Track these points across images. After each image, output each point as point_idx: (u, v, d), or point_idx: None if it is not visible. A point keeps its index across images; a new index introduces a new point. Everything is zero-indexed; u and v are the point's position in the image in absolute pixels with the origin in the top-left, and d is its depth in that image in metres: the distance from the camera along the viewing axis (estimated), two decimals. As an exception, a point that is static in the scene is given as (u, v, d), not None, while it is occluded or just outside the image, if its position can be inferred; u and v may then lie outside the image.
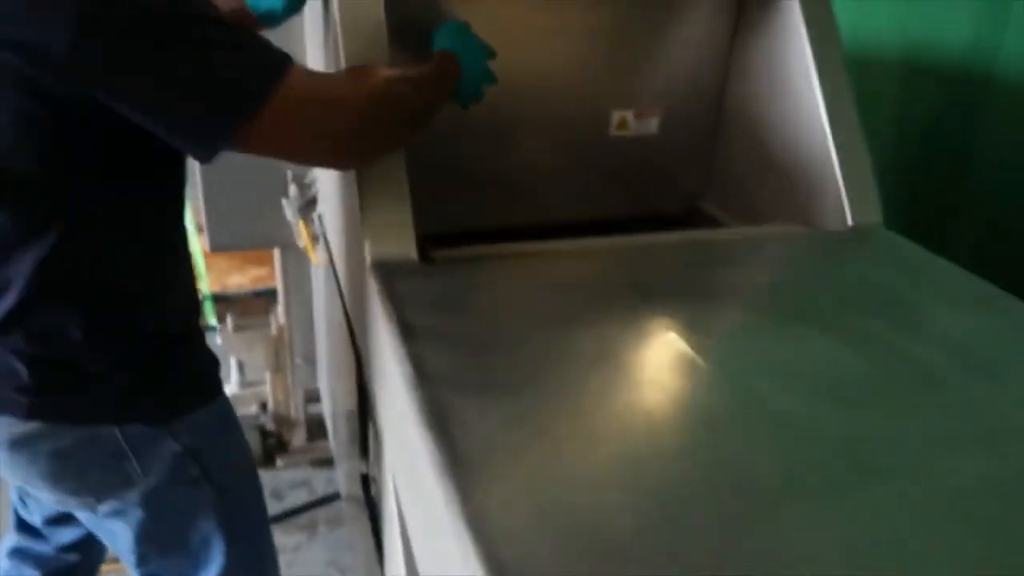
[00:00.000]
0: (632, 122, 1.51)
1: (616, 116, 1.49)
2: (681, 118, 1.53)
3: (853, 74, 1.68)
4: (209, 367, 1.09)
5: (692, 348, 0.86)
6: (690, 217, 1.65)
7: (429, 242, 1.09)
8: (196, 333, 1.06)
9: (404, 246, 1.04)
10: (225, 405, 1.10)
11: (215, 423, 1.07)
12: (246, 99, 0.83)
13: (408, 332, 0.87)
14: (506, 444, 0.70)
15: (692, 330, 0.90)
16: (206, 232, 1.79)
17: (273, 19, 1.17)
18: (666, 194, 1.62)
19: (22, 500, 1.21)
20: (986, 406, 0.82)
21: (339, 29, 1.08)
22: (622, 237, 1.22)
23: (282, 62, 0.86)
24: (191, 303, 1.07)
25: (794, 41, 1.35)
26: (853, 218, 1.25)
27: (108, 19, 0.76)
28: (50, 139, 0.83)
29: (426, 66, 1.07)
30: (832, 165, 1.28)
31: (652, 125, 1.53)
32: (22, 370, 0.92)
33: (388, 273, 1.01)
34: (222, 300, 2.95)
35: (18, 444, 0.95)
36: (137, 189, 0.92)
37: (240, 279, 3.09)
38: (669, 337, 0.89)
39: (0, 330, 0.90)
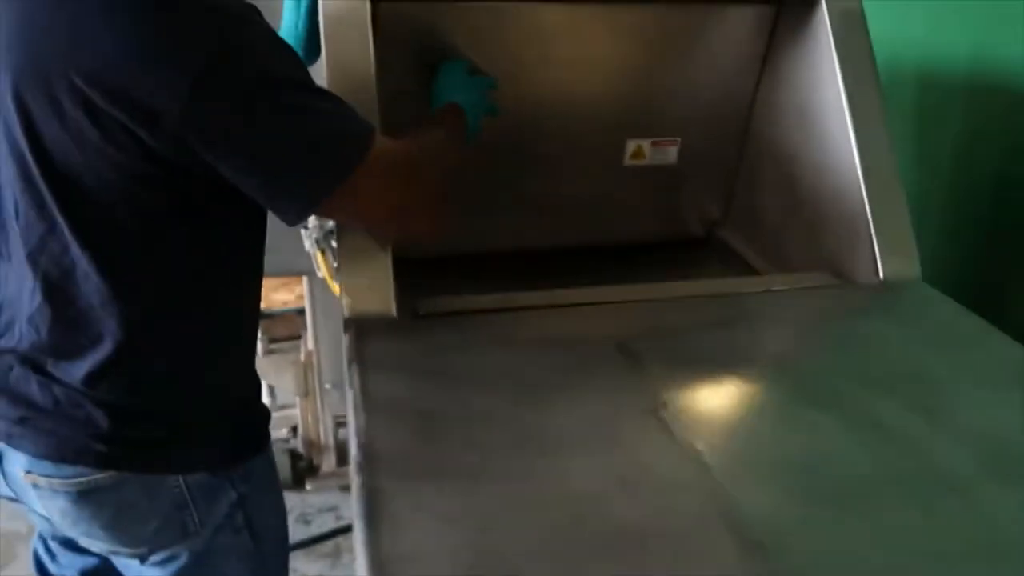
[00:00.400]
0: (649, 151, 1.44)
1: (632, 145, 1.42)
2: (701, 148, 1.45)
3: (917, 94, 1.56)
4: (265, 412, 1.11)
5: (677, 435, 0.78)
6: (709, 243, 1.56)
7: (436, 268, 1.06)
8: (258, 379, 1.10)
9: (382, 301, 0.99)
10: (271, 451, 1.12)
11: (265, 470, 1.08)
12: (341, 167, 0.86)
13: (366, 402, 0.82)
14: (438, 547, 0.64)
15: (682, 412, 0.82)
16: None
17: None
18: (685, 220, 1.58)
19: (49, 552, 1.16)
20: (1006, 519, 0.71)
21: (325, 72, 1.04)
22: (625, 287, 1.14)
23: (369, 131, 0.89)
24: (254, 350, 1.10)
25: (825, 75, 1.24)
26: (885, 271, 1.14)
27: (225, 84, 0.79)
28: (151, 196, 0.85)
29: (441, 127, 1.08)
30: (864, 213, 1.17)
31: (671, 155, 1.45)
32: (101, 419, 0.91)
33: (364, 330, 0.96)
34: (266, 317, 2.97)
35: (86, 494, 0.94)
36: (225, 247, 0.95)
37: (286, 296, 3.12)
38: (652, 422, 0.81)
39: (86, 382, 0.90)
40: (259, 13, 0.86)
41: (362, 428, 0.78)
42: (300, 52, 1.11)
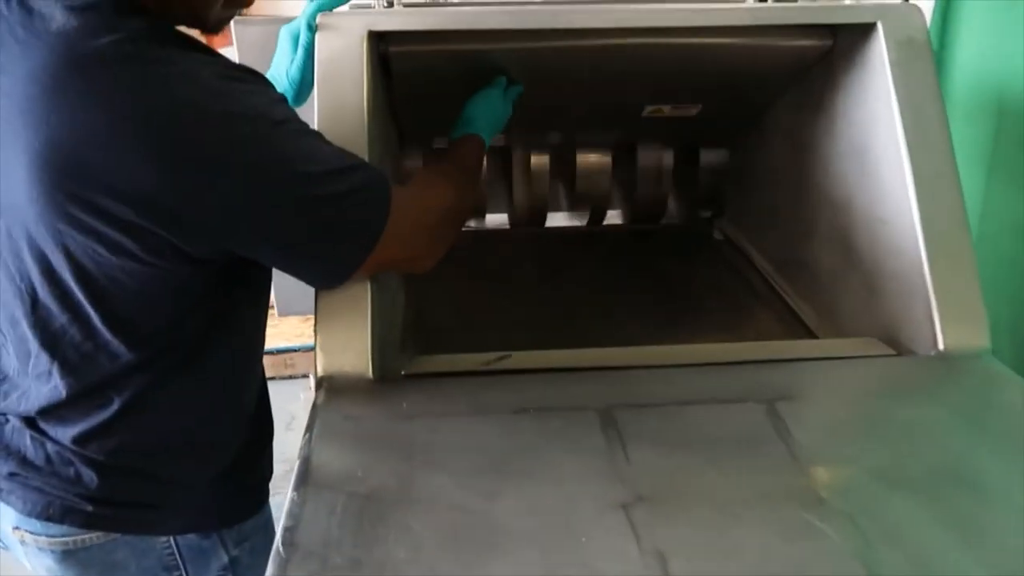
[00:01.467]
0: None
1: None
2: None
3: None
4: (266, 473, 1.08)
5: (643, 540, 0.67)
6: (763, 296, 1.42)
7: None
8: (263, 440, 1.06)
9: (359, 360, 0.92)
10: (268, 511, 1.08)
11: (260, 531, 1.05)
12: (369, 238, 0.86)
13: (305, 477, 0.76)
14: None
15: (656, 510, 0.71)
16: (275, 299, 1.80)
17: None
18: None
19: None
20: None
21: (316, 115, 1.00)
22: (642, 350, 1.04)
23: (386, 188, 0.87)
24: (262, 410, 1.05)
25: (882, 113, 1.10)
26: (946, 341, 0.98)
27: (249, 183, 0.78)
28: (186, 283, 0.84)
29: (464, 159, 1.09)
30: (922, 272, 1.01)
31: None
32: (91, 478, 0.90)
33: (334, 391, 0.90)
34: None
35: (72, 554, 0.93)
36: (238, 311, 0.94)
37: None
38: (616, 519, 0.70)
39: (79, 440, 0.89)
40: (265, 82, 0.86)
41: (290, 509, 0.71)
42: (290, 95, 1.09)
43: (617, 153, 1.76)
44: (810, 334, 1.28)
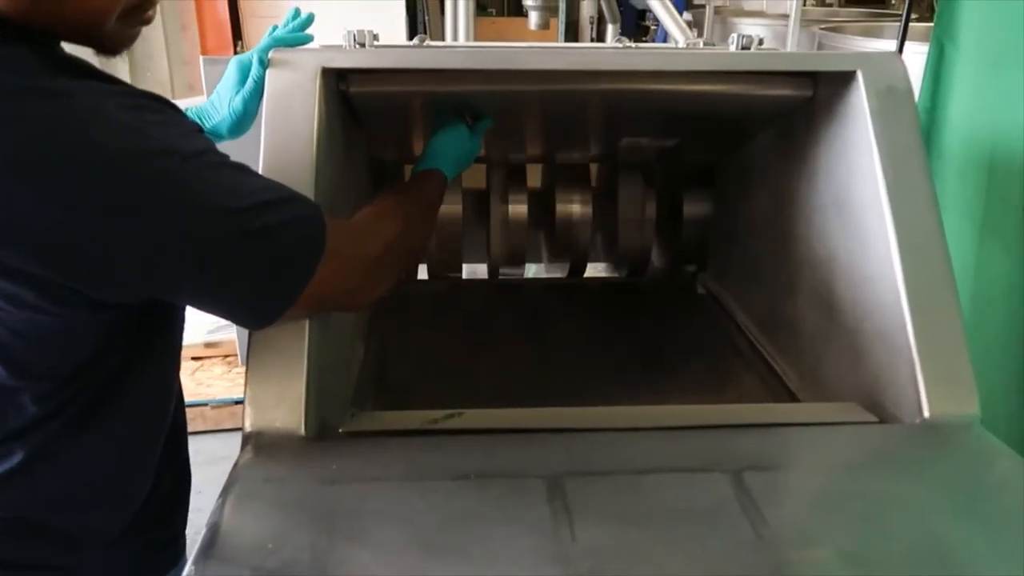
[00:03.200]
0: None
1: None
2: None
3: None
4: (180, 527, 1.00)
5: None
6: (744, 355, 1.34)
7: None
8: (178, 491, 0.98)
9: (291, 416, 0.85)
10: (183, 568, 0.98)
11: None
12: (300, 272, 0.79)
13: (209, 548, 0.67)
14: None
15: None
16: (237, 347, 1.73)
17: (216, 138, 1.06)
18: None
19: None
20: None
21: (261, 150, 0.95)
22: (602, 412, 0.96)
23: (319, 219, 0.81)
24: (176, 459, 0.98)
25: (862, 164, 1.04)
26: (932, 408, 0.91)
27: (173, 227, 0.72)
28: (97, 332, 0.78)
29: (420, 194, 1.04)
30: (905, 333, 0.94)
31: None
32: None
33: (261, 448, 0.82)
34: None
35: None
36: (141, 362, 0.86)
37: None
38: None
39: None
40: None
41: (186, 584, 0.63)
42: (227, 125, 1.04)
43: (599, 201, 1.71)
44: (792, 397, 1.20)
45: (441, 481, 0.78)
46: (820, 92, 1.15)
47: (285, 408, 0.85)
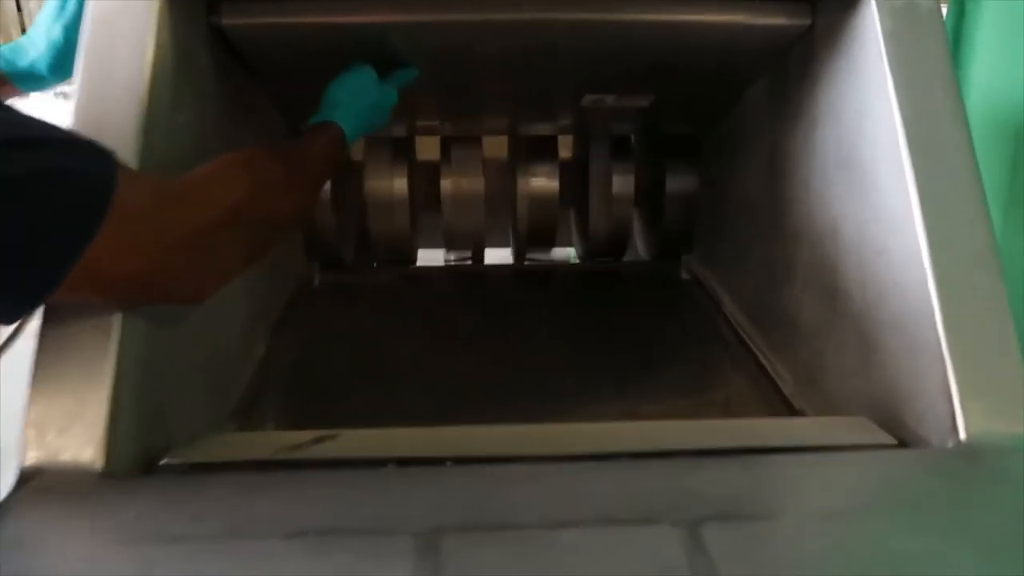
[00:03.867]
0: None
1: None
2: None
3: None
4: None
5: None
6: (731, 348, 1.10)
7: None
8: None
9: (87, 445, 0.62)
10: None
11: None
12: (64, 244, 0.56)
13: None
14: None
15: None
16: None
17: (36, 82, 0.84)
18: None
19: None
20: None
21: (77, 89, 0.72)
22: (519, 430, 0.73)
23: (105, 170, 0.58)
24: None
25: (874, 107, 0.80)
26: (969, 427, 0.66)
27: None
28: None
29: (299, 153, 0.80)
30: (934, 328, 0.70)
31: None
32: None
33: (41, 491, 0.60)
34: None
35: None
36: None
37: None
38: None
39: None
40: None
41: None
42: (46, 62, 0.81)
43: (566, 174, 1.47)
44: (785, 403, 0.96)
45: (266, 541, 0.54)
46: (820, 20, 0.91)
47: (76, 434, 0.62)
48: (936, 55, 0.78)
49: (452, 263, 1.57)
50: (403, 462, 0.68)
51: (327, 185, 1.38)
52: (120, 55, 0.73)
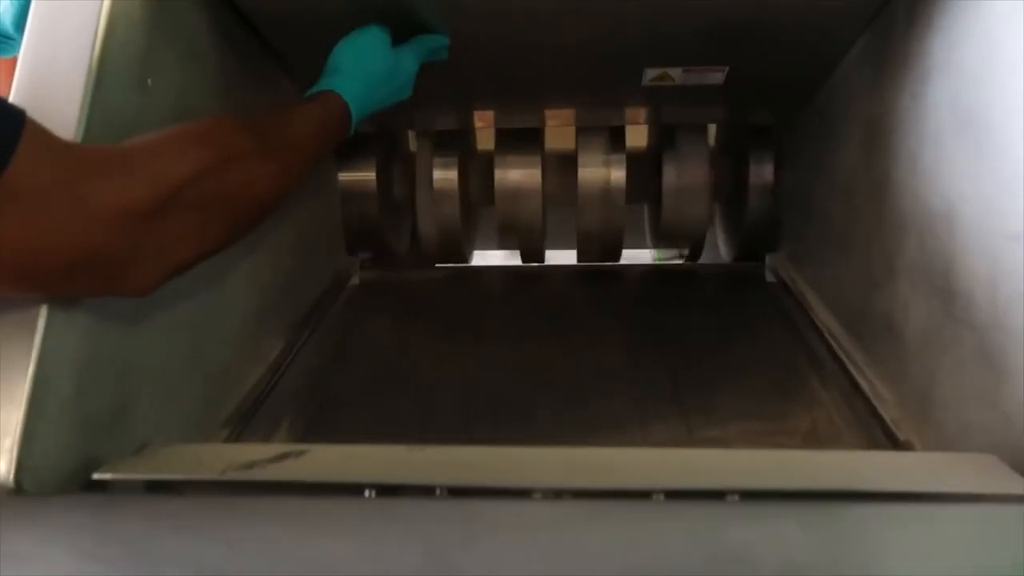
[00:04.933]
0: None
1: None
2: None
3: None
4: None
5: None
6: (822, 365, 0.91)
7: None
8: None
9: (-6, 454, 0.52)
10: None
11: None
12: None
13: None
14: None
15: None
16: None
17: (4, 42, 0.75)
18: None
19: None
20: None
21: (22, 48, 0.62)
22: (534, 453, 0.58)
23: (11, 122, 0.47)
24: None
25: (1011, 57, 0.61)
26: None
27: None
28: None
29: (286, 126, 0.68)
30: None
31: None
32: None
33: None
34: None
35: None
36: None
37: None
38: None
39: None
40: None
41: None
42: (13, 14, 0.72)
43: (633, 165, 1.32)
44: (886, 433, 0.77)
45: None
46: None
47: (-15, 441, 0.52)
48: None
49: (505, 265, 1.43)
50: (385, 489, 0.54)
51: (372, 176, 1.28)
52: (71, 6, 0.63)
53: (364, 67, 0.76)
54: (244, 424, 0.83)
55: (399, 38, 0.82)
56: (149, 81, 0.67)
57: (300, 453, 0.57)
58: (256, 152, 0.61)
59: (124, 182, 0.52)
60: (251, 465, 0.55)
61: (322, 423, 0.91)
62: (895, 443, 0.76)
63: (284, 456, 0.56)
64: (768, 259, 1.23)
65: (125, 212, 0.52)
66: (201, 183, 0.56)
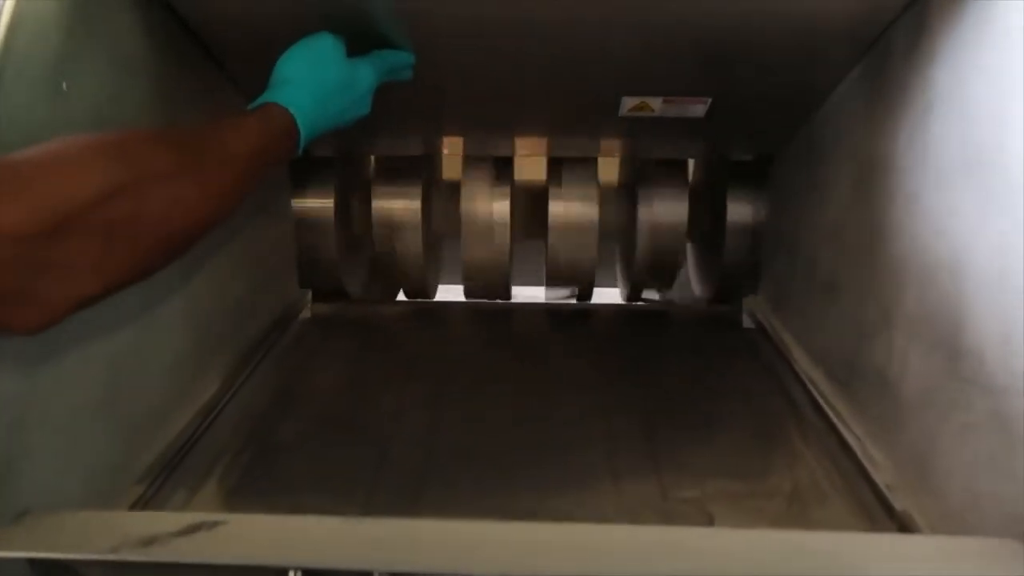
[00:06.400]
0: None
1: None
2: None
3: None
4: None
5: None
6: (805, 421, 0.84)
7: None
8: None
9: None
10: None
11: None
12: None
13: None
14: None
15: None
16: None
17: None
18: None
19: None
20: None
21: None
22: (474, 528, 0.50)
23: None
24: None
25: (1016, 87, 0.56)
26: None
27: None
28: None
29: (212, 140, 0.59)
30: None
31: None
32: None
33: None
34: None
35: None
36: None
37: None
38: None
39: None
40: None
41: None
42: None
43: (607, 201, 1.25)
44: (880, 501, 0.70)
45: None
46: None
47: None
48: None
49: (472, 301, 1.35)
50: (311, 574, 0.45)
51: (330, 203, 1.20)
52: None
53: (314, 77, 0.68)
54: (166, 476, 0.74)
55: (359, 53, 0.74)
56: (64, 85, 0.59)
57: (214, 525, 0.48)
58: (178, 171, 0.53)
59: (10, 200, 0.44)
60: (151, 541, 0.46)
61: (258, 475, 0.81)
62: (890, 512, 0.68)
63: (194, 528, 0.47)
64: (745, 302, 1.17)
65: (11, 236, 0.43)
66: (108, 205, 0.48)
